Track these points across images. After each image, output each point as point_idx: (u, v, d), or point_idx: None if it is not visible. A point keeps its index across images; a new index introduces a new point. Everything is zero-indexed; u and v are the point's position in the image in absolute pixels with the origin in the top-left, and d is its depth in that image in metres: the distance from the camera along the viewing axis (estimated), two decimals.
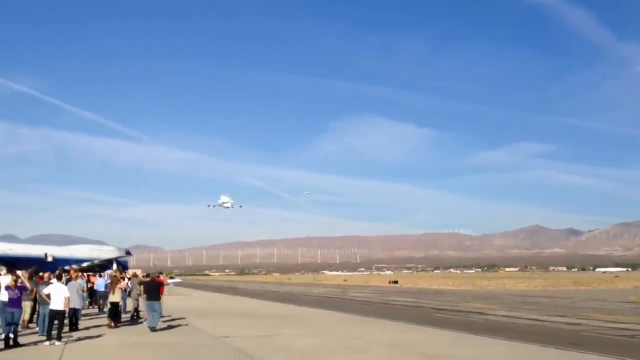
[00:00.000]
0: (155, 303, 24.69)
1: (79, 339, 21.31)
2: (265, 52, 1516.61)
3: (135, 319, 28.51)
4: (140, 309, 28.05)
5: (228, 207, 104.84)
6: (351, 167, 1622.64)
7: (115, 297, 26.50)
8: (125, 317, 28.54)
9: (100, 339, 22.13)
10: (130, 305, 28.99)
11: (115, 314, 26.54)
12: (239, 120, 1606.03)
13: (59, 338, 19.84)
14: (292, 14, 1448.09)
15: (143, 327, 25.81)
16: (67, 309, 20.43)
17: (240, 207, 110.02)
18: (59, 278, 21.55)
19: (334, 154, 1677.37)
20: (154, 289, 25.17)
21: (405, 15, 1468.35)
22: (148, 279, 28.79)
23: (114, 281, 27.08)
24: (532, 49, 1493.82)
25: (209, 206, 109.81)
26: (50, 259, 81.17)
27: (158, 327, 24.39)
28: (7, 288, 19.52)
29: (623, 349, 19.68)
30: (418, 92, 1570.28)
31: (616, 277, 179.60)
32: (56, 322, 20.05)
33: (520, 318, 33.79)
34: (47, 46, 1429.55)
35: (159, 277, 26.68)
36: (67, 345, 19.72)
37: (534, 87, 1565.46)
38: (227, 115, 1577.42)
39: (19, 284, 19.91)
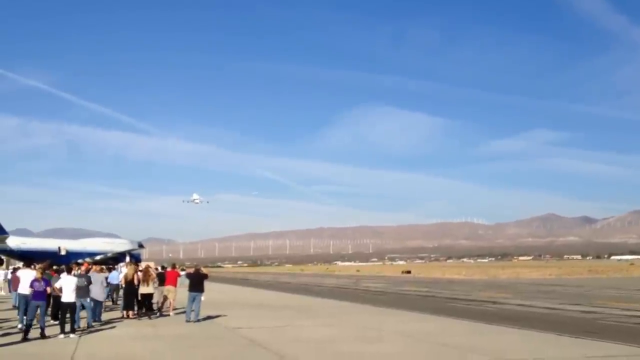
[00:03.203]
0: (198, 294, 24.79)
1: (93, 331, 21.39)
2: (275, 42, 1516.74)
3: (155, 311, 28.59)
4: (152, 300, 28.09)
5: (198, 203, 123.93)
6: (362, 157, 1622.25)
7: (149, 289, 26.67)
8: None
9: (114, 330, 22.25)
10: (156, 296, 29.09)
11: (148, 305, 26.88)
12: (249, 112, 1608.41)
13: (73, 330, 19.90)
14: (302, 3, 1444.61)
15: (158, 319, 25.97)
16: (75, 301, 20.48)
17: (207, 202, 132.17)
18: (69, 271, 21.59)
19: (345, 144, 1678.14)
20: (197, 281, 25.26)
21: (416, 3, 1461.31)
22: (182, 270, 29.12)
23: (147, 272, 27.22)
24: (545, 35, 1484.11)
25: (183, 201, 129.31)
26: (63, 252, 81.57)
27: (195, 319, 24.37)
28: (34, 280, 19.63)
29: (638, 336, 19.49)
30: (429, 81, 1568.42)
31: (631, 264, 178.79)
32: (68, 314, 20.11)
33: (535, 307, 33.64)
34: (56, 40, 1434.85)
35: (200, 269, 26.75)
36: (82, 337, 19.81)
37: (547, 74, 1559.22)
38: (238, 106, 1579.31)
39: (43, 277, 20.04)
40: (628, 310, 29.98)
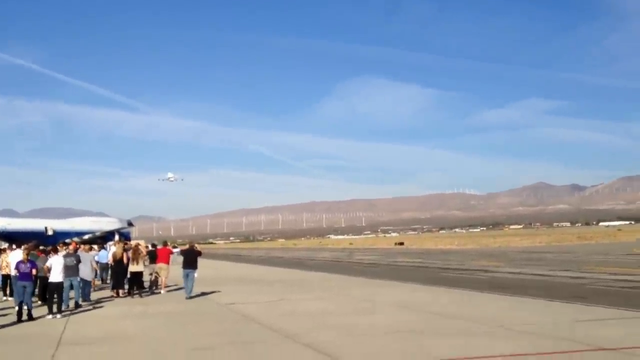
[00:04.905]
0: (192, 271, 24.90)
1: (82, 311, 21.36)
2: (268, 15, 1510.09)
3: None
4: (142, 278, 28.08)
5: (172, 181, 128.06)
6: (355, 130, 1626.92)
7: (138, 267, 26.64)
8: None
9: (103, 309, 22.20)
10: (146, 274, 29.06)
11: (138, 283, 26.85)
12: (241, 86, 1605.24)
13: (60, 310, 19.84)
14: None
15: (149, 297, 26.01)
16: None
17: (182, 179, 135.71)
18: (55, 251, 21.53)
19: (338, 117, 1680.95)
20: (191, 258, 25.32)
21: None
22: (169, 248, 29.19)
23: (136, 251, 27.13)
24: (536, 4, 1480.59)
25: (159, 180, 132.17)
26: (50, 233, 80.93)
27: (187, 295, 24.60)
28: (19, 262, 19.56)
29: (627, 300, 19.67)
30: (423, 52, 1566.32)
31: (619, 230, 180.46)
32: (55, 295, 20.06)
33: (525, 274, 33.86)
34: (44, 18, 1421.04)
35: (194, 246, 26.74)
36: (71, 316, 19.76)
37: (538, 43, 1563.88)
38: (230, 81, 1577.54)
39: (29, 258, 19.95)
40: (615, 274, 30.22)
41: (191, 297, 24.42)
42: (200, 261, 26.12)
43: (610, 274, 30.93)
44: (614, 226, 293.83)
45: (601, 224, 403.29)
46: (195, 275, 25.25)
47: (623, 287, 24.42)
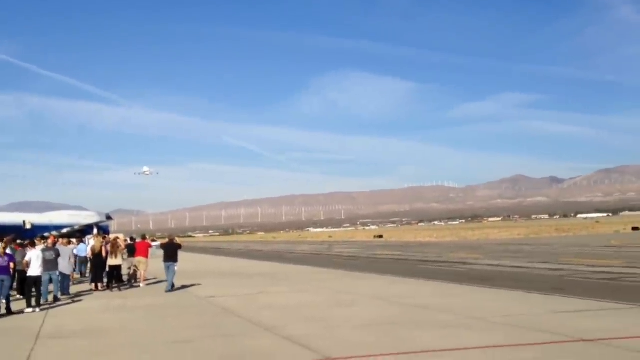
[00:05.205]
0: (172, 264, 24.93)
1: (61, 304, 21.21)
2: (245, 8, 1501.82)
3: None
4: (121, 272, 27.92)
5: (148, 174, 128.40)
6: (334, 123, 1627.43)
7: (117, 261, 26.48)
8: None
9: (82, 303, 22.07)
10: (124, 268, 28.87)
11: (117, 277, 26.73)
12: (219, 79, 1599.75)
13: (39, 304, 19.69)
14: None
15: (128, 290, 25.88)
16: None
17: (157, 173, 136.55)
18: (33, 244, 21.36)
19: (317, 111, 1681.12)
20: (172, 251, 25.29)
21: None
22: (138, 242, 29.01)
23: (114, 244, 26.97)
24: None
25: (135, 174, 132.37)
26: (28, 227, 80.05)
27: (167, 289, 24.60)
28: None
29: (604, 291, 19.85)
30: (401, 45, 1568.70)
31: (597, 222, 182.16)
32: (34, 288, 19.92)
33: (504, 266, 34.07)
34: (15, 9, 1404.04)
35: (174, 239, 26.64)
36: (50, 310, 19.63)
37: (517, 36, 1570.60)
38: (207, 74, 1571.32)
39: (7, 252, 19.72)
40: (593, 266, 30.48)
41: (171, 290, 24.36)
42: (180, 254, 26.03)
43: (589, 265, 31.19)
44: (591, 218, 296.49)
45: (579, 216, 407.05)
46: (176, 268, 25.21)
47: (601, 279, 24.64)
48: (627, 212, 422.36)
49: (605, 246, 51.46)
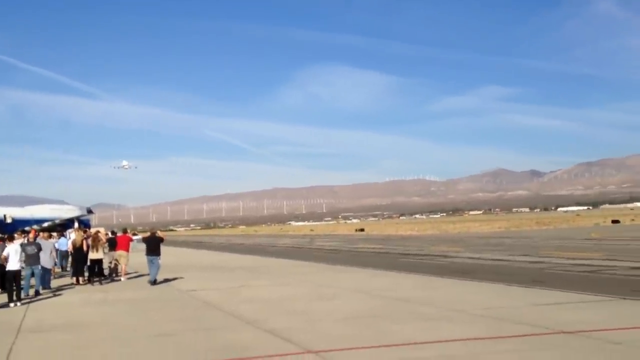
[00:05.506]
0: (155, 257, 24.89)
1: (42, 298, 21.09)
2: (226, 1, 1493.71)
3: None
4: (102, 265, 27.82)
5: (127, 168, 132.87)
6: (316, 116, 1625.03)
7: (98, 254, 26.35)
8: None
9: (63, 297, 21.98)
10: (105, 261, 28.73)
11: (98, 271, 26.65)
12: (200, 72, 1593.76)
13: (19, 298, 19.58)
14: None
15: (109, 284, 25.79)
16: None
17: (136, 167, 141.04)
18: (11, 239, 21.20)
19: (299, 104, 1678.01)
20: (154, 245, 25.23)
21: None
22: (118, 235, 28.92)
23: (95, 238, 26.82)
24: None
25: (114, 167, 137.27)
26: (9, 220, 79.43)
27: (151, 280, 24.68)
28: None
29: (584, 283, 20.02)
30: (382, 39, 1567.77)
31: (577, 215, 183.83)
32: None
33: (484, 259, 34.27)
34: None
35: (156, 233, 26.50)
36: (31, 304, 19.52)
37: (497, 30, 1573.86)
38: (188, 67, 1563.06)
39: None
40: (573, 259, 30.68)
41: (154, 284, 24.30)
42: (162, 248, 25.94)
43: (569, 258, 31.38)
44: (572, 211, 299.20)
45: (559, 209, 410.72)
46: (160, 261, 25.15)
47: (581, 272, 24.81)
48: (607, 205, 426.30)
49: (585, 239, 51.86)
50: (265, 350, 11.21)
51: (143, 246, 25.96)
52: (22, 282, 21.13)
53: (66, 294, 22.70)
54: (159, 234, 26.62)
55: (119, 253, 27.70)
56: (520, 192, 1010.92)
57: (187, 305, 18.41)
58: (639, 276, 22.41)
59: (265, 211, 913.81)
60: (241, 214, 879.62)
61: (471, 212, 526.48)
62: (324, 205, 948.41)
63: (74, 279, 26.28)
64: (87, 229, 39.11)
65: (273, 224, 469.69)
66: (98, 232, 30.07)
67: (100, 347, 12.39)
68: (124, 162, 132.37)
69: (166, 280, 25.69)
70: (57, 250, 28.60)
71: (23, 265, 20.21)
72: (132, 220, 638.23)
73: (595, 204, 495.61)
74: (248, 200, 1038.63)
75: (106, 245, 27.62)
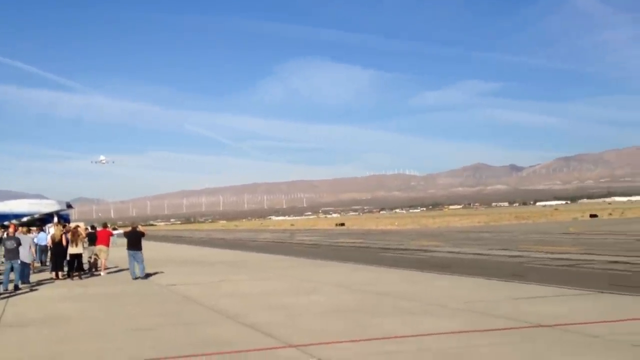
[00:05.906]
0: (137, 252, 24.74)
1: (21, 293, 20.93)
2: None
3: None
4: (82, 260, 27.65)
5: (104, 163, 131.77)
6: (296, 111, 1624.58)
7: (77, 249, 26.16)
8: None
9: (43, 291, 21.82)
10: (85, 256, 28.58)
11: (78, 265, 26.41)
12: (179, 67, 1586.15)
13: None
14: None
15: (89, 279, 25.64)
16: None
17: (113, 162, 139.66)
18: None
19: (279, 98, 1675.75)
20: (135, 239, 25.06)
21: None
22: (98, 230, 28.73)
23: (75, 233, 26.63)
24: None
25: (92, 162, 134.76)
26: None
27: (141, 275, 24.61)
28: None
29: (562, 277, 20.22)
30: (363, 33, 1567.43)
31: (555, 210, 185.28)
32: None
33: (464, 253, 34.45)
34: None
35: (137, 227, 26.33)
36: (10, 299, 19.36)
37: (477, 24, 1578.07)
38: (168, 61, 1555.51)
39: None
40: (552, 253, 30.94)
41: (137, 278, 24.20)
42: (142, 243, 25.80)
43: (547, 252, 31.65)
44: (550, 206, 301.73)
45: (538, 203, 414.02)
46: (142, 255, 24.99)
47: (559, 266, 25.04)
48: (585, 200, 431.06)
49: (564, 233, 52.31)
50: (246, 345, 11.20)
51: (123, 241, 25.85)
52: (1, 277, 20.99)
53: (45, 289, 22.55)
54: (140, 228, 26.48)
55: (99, 248, 27.54)
56: (499, 186, 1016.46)
57: (166, 300, 18.35)
58: (616, 270, 22.63)
59: (246, 206, 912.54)
60: (221, 208, 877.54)
61: (451, 207, 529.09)
62: (304, 200, 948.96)
63: (54, 273, 26.07)
64: (67, 224, 38.85)
65: (253, 219, 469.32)
66: (77, 226, 29.88)
67: (80, 341, 12.32)
68: (102, 157, 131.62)
69: (146, 275, 25.58)
70: (36, 244, 28.45)
71: (2, 259, 20.06)
72: (112, 215, 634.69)
73: (573, 198, 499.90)
74: (228, 195, 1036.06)
75: (86, 239, 27.46)
